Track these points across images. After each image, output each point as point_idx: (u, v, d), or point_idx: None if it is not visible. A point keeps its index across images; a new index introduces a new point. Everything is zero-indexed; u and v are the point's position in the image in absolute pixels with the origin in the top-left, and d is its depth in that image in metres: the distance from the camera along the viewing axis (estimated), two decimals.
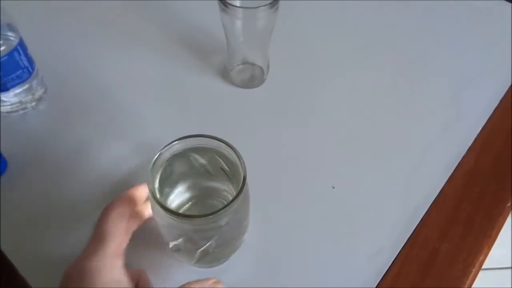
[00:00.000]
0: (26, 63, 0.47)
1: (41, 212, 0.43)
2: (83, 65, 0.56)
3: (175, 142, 0.34)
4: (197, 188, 0.40)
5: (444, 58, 0.58)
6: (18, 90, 0.48)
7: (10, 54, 0.45)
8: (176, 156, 0.35)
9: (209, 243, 0.34)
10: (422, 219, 0.44)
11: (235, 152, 0.34)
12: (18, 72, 0.46)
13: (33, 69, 0.49)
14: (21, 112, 0.50)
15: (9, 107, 0.49)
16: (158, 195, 0.33)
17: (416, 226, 0.44)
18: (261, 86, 0.55)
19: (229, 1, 0.45)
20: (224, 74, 0.55)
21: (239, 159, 0.33)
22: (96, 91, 0.53)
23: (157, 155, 0.33)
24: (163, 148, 0.33)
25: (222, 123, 0.51)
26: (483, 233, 0.44)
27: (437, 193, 0.46)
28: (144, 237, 0.39)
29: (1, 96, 0.47)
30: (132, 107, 0.52)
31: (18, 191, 0.44)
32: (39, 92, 0.51)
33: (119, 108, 0.52)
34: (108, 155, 0.47)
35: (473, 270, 0.41)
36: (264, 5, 0.45)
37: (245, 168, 0.33)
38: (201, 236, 0.34)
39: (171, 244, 0.35)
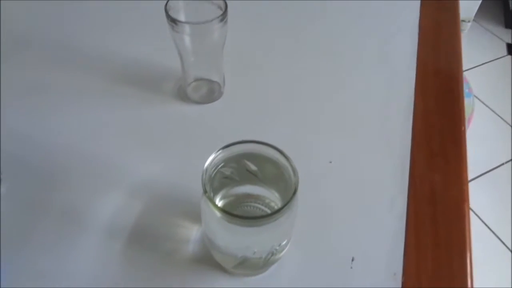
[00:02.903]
0: None
1: None
2: (35, 137, 0.51)
3: (219, 152, 0.34)
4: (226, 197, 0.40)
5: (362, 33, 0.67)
6: None
7: None
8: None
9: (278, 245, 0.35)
10: (410, 162, 0.50)
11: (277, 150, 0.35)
12: None
13: None
14: None
15: None
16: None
17: (410, 169, 0.50)
18: (221, 99, 0.56)
19: (177, 19, 0.46)
20: (182, 94, 0.56)
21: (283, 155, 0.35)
22: (59, 156, 0.49)
23: (205, 172, 0.33)
24: (209, 164, 0.34)
25: (194, 140, 0.51)
26: (457, 156, 0.51)
27: (410, 137, 0.53)
28: None
29: None
30: (105, 158, 0.49)
31: None
32: None
33: (92, 165, 0.48)
34: (106, 213, 0.44)
35: (465, 187, 0.49)
36: (212, 19, 0.47)
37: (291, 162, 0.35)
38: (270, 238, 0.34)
39: (240, 255, 0.35)
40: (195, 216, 0.43)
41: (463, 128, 0.54)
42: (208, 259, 0.41)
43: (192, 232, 0.43)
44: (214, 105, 0.56)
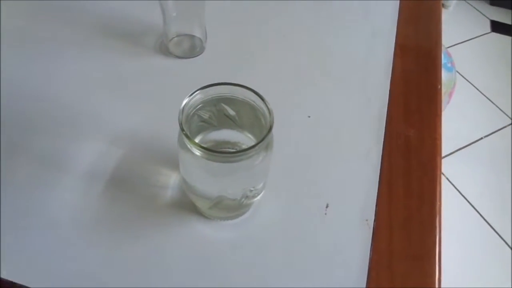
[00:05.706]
0: None
1: None
2: (14, 85, 0.50)
3: (196, 93, 0.34)
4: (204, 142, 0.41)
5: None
6: None
7: None
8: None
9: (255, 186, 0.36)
10: (387, 116, 0.51)
11: (253, 92, 0.36)
12: None
13: None
14: None
15: None
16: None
17: (386, 124, 0.51)
18: (203, 54, 0.56)
19: None
20: (163, 49, 0.55)
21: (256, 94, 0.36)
22: (38, 104, 0.49)
23: (181, 111, 0.34)
24: (185, 103, 0.34)
25: (174, 93, 0.50)
26: (432, 113, 0.53)
27: (387, 94, 0.54)
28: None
29: None
30: (84, 108, 0.49)
31: None
32: None
33: (71, 114, 0.49)
34: (85, 159, 0.45)
35: (438, 142, 0.50)
36: None
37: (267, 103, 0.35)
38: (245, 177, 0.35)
39: (216, 195, 0.36)
40: (174, 165, 0.44)
41: (439, 87, 0.55)
42: (186, 204, 0.42)
43: (170, 179, 0.44)
44: (196, 60, 0.56)
